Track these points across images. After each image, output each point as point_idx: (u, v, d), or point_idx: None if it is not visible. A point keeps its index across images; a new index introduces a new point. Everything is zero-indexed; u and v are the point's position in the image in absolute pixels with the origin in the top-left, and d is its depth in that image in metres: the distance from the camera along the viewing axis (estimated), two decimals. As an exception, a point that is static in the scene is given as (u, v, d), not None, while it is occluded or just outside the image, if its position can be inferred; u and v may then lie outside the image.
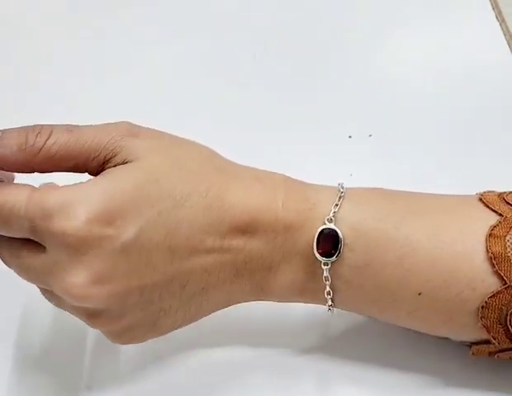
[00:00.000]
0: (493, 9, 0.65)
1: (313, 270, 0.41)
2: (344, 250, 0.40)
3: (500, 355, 0.42)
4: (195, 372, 0.47)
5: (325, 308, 0.43)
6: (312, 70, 0.65)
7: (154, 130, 0.42)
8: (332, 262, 0.41)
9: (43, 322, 0.50)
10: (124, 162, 0.39)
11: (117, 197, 0.38)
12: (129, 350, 0.48)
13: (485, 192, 0.43)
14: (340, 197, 0.42)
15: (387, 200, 0.43)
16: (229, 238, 0.40)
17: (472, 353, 0.42)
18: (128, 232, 0.37)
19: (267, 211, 0.41)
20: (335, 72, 0.64)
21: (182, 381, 0.47)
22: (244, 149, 0.49)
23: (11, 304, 0.51)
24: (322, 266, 0.41)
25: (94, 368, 0.48)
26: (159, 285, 0.39)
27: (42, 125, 0.39)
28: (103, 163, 0.40)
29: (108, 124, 0.41)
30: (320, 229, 0.41)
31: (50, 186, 0.39)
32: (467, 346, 0.43)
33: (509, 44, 0.63)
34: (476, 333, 0.41)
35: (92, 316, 0.40)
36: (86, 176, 0.40)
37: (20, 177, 0.41)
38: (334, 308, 0.43)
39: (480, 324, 0.40)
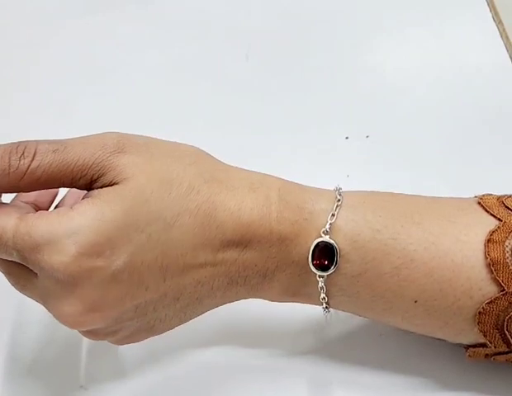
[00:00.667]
0: (490, 10, 0.65)
1: (308, 278, 0.41)
2: (340, 261, 0.40)
3: (497, 357, 0.42)
4: (190, 373, 0.48)
5: (321, 309, 0.43)
6: (308, 71, 0.65)
7: (141, 142, 0.40)
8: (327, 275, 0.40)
9: (38, 322, 0.51)
10: (111, 184, 0.38)
11: (105, 227, 0.37)
12: (125, 350, 0.49)
13: (484, 195, 0.43)
14: (337, 206, 0.41)
15: (384, 207, 0.42)
16: (222, 251, 0.40)
17: (469, 355, 0.43)
18: (118, 260, 0.37)
19: (261, 224, 0.40)
20: (332, 73, 0.65)
21: (177, 382, 0.47)
22: (240, 151, 0.49)
23: (5, 304, 0.51)
24: (317, 277, 0.40)
25: (90, 368, 0.49)
26: (153, 301, 0.40)
27: (26, 144, 0.38)
28: (90, 182, 0.39)
29: (95, 137, 0.39)
30: (315, 242, 0.40)
31: (38, 215, 0.38)
32: (464, 347, 0.43)
33: (506, 46, 0.63)
34: (472, 337, 0.41)
35: (88, 333, 0.40)
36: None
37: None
38: (330, 309, 0.43)
39: (476, 329, 0.40)
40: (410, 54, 0.65)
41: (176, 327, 0.44)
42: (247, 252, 0.40)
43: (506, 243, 0.39)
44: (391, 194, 0.43)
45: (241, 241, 0.40)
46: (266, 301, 0.44)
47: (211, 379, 0.47)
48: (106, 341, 0.43)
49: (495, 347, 0.41)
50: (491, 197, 0.42)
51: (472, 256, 0.39)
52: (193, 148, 0.42)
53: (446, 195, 0.44)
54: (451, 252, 0.40)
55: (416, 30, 0.66)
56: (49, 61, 0.68)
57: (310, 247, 0.40)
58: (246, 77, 0.65)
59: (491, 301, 0.39)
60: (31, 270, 0.38)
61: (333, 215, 0.41)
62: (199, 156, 0.42)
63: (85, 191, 0.40)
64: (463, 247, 0.40)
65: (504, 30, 0.63)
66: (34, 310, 0.49)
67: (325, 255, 0.40)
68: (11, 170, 0.37)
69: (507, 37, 0.62)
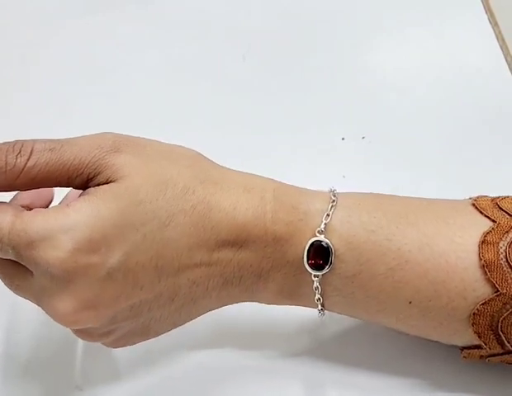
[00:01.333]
0: (485, 12, 0.66)
1: (303, 278, 0.41)
2: (335, 261, 0.41)
3: (491, 359, 0.42)
4: (186, 374, 0.48)
5: (316, 311, 0.43)
6: (308, 71, 0.65)
7: (137, 143, 0.41)
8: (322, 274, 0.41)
9: (33, 322, 0.51)
10: (107, 182, 0.39)
11: (101, 224, 0.37)
12: (120, 351, 0.49)
13: (478, 197, 0.43)
14: (332, 206, 0.41)
15: (380, 208, 0.42)
16: (217, 251, 0.40)
17: (463, 357, 0.43)
18: (113, 258, 0.37)
19: (256, 224, 0.41)
20: (328, 74, 0.65)
21: (173, 382, 0.48)
22: (235, 152, 0.50)
23: (-1, 304, 0.51)
24: (312, 277, 0.41)
25: (85, 369, 0.49)
26: (148, 301, 0.40)
27: (23, 143, 0.39)
28: (87, 181, 0.39)
29: (92, 137, 0.40)
30: (310, 242, 0.41)
31: (34, 212, 0.38)
32: (458, 349, 0.43)
33: (501, 48, 0.63)
34: (467, 338, 0.41)
35: (80, 332, 0.41)
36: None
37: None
38: (325, 311, 0.43)
39: (471, 330, 0.40)
40: (409, 54, 0.66)
41: (169, 332, 0.44)
42: (242, 252, 0.41)
43: (500, 245, 0.39)
44: (386, 195, 0.44)
45: (236, 241, 0.40)
46: (260, 304, 0.45)
47: (207, 379, 0.47)
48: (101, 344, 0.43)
49: (489, 349, 0.41)
50: (486, 199, 0.43)
51: (466, 257, 0.40)
52: (190, 151, 0.43)
53: (444, 196, 0.44)
54: (445, 254, 0.40)
55: (412, 33, 0.67)
56: (49, 61, 0.68)
57: (304, 247, 0.41)
58: (246, 78, 0.65)
59: (485, 302, 0.39)
60: (27, 269, 0.38)
61: (328, 215, 0.41)
62: (195, 158, 0.42)
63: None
64: (457, 249, 0.40)
65: (500, 32, 0.63)
66: (28, 310, 0.50)
67: (320, 254, 0.40)
68: (8, 168, 0.38)
69: (503, 39, 0.62)
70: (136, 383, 0.48)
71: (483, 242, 0.40)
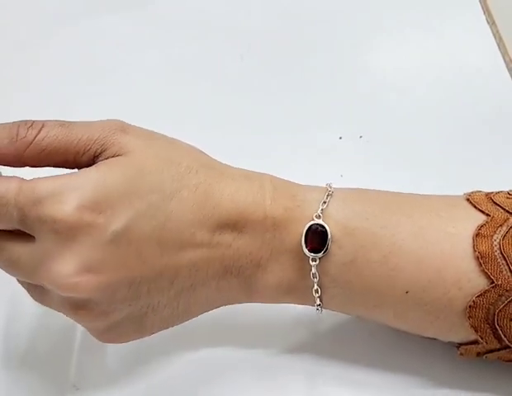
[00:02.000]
0: (483, 12, 0.66)
1: (301, 267, 0.42)
2: (332, 247, 0.41)
3: (489, 356, 0.43)
4: (182, 372, 0.48)
5: (314, 308, 0.44)
6: (308, 71, 0.66)
7: (144, 129, 0.43)
8: (320, 259, 0.42)
9: (29, 320, 0.51)
10: (114, 156, 0.40)
11: (108, 188, 0.39)
12: (116, 350, 0.49)
13: (472, 192, 0.44)
14: (328, 195, 0.43)
15: (374, 200, 0.44)
16: (218, 233, 0.41)
17: (460, 354, 0.43)
18: (118, 222, 0.38)
19: (256, 208, 0.42)
20: (325, 73, 0.65)
21: (169, 381, 0.48)
22: (233, 151, 0.50)
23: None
24: (310, 261, 0.42)
25: (81, 368, 0.49)
26: (148, 279, 0.40)
27: (34, 120, 0.40)
28: (94, 158, 0.41)
29: (101, 120, 0.42)
30: (308, 225, 0.42)
31: (41, 177, 0.39)
32: (455, 346, 0.44)
33: (499, 47, 0.63)
34: (463, 333, 0.42)
35: (78, 308, 0.40)
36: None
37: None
38: (323, 309, 0.44)
39: (467, 324, 0.41)
40: (403, 56, 0.66)
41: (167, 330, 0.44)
42: (242, 238, 0.42)
43: (494, 238, 0.40)
44: (381, 190, 0.45)
45: (236, 225, 0.41)
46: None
47: (202, 377, 0.48)
48: (97, 342, 0.43)
49: (486, 343, 0.41)
50: (480, 194, 0.44)
51: (461, 248, 0.41)
52: (192, 146, 0.44)
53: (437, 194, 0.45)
54: (439, 243, 0.41)
55: (409, 32, 0.67)
56: (49, 61, 0.69)
57: (302, 231, 0.42)
58: (246, 78, 0.66)
59: (481, 294, 0.40)
60: (27, 236, 0.39)
61: (324, 202, 0.42)
62: (197, 149, 0.44)
63: None
64: (451, 240, 0.41)
65: (497, 31, 0.63)
66: (24, 308, 0.51)
67: (317, 238, 0.41)
68: (19, 138, 0.40)
69: (500, 38, 0.63)
70: (132, 381, 0.48)
71: (477, 234, 0.40)
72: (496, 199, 0.42)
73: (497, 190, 0.45)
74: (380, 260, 0.41)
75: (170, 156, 0.42)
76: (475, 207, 0.42)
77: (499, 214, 0.41)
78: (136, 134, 0.42)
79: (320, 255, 0.41)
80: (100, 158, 0.41)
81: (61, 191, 0.38)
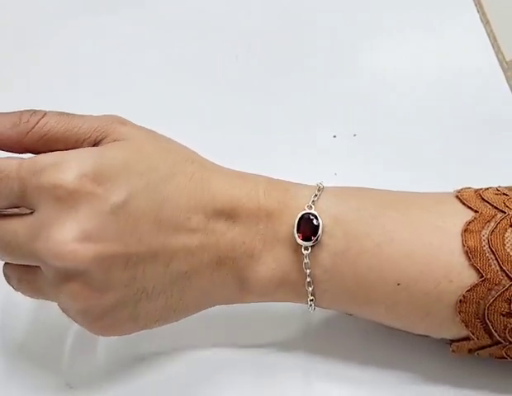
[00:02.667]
0: (477, 11, 0.67)
1: (294, 259, 0.43)
2: (324, 237, 0.43)
3: (480, 352, 0.43)
4: (177, 371, 0.49)
5: (307, 306, 0.45)
6: (302, 71, 0.66)
7: (142, 126, 0.45)
8: (312, 247, 0.43)
9: (22, 320, 0.52)
10: (113, 141, 0.42)
11: (108, 163, 0.40)
12: (110, 348, 0.50)
13: (462, 189, 0.45)
14: (319, 189, 0.44)
15: (365, 196, 0.45)
16: (212, 220, 0.42)
17: (452, 350, 0.44)
18: (117, 195, 0.40)
19: (250, 200, 0.43)
20: (319, 72, 0.66)
21: (163, 380, 0.48)
22: (227, 150, 0.51)
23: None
24: (302, 250, 0.43)
25: (75, 366, 0.49)
26: (144, 259, 0.41)
27: (36, 109, 0.42)
28: (94, 145, 0.42)
29: (99, 115, 0.44)
30: (299, 215, 0.43)
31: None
32: (448, 343, 0.44)
33: (493, 46, 0.64)
34: (455, 329, 0.42)
35: (72, 280, 0.40)
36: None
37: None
38: (316, 307, 0.45)
39: (458, 319, 0.41)
40: (397, 54, 0.67)
41: (159, 328, 0.45)
42: (236, 227, 0.43)
43: (483, 233, 0.41)
44: (373, 188, 0.46)
45: (230, 214, 0.43)
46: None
47: (197, 376, 0.48)
48: (90, 341, 0.44)
49: (477, 339, 0.42)
50: (469, 190, 0.44)
51: (450, 242, 0.41)
52: (186, 147, 0.46)
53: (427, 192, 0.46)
54: (429, 236, 0.42)
55: (404, 31, 0.68)
56: (49, 61, 0.69)
57: (294, 221, 0.43)
58: (246, 78, 0.66)
59: (471, 289, 0.40)
60: (23, 215, 0.41)
61: (315, 195, 0.44)
62: (192, 151, 0.46)
63: None
64: (441, 233, 0.42)
65: (491, 30, 0.64)
66: (17, 306, 0.52)
67: (309, 228, 0.42)
68: (22, 122, 0.41)
69: (494, 37, 0.64)
70: (127, 381, 0.49)
71: (465, 230, 0.41)
72: (485, 195, 0.43)
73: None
74: (372, 249, 0.42)
75: (167, 146, 0.44)
76: (463, 204, 0.43)
77: (487, 211, 0.42)
78: (135, 127, 0.44)
79: (311, 243, 0.42)
80: (100, 145, 0.42)
81: (62, 162, 0.40)
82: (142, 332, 0.46)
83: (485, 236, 0.41)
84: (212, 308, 0.46)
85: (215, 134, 0.62)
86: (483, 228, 0.41)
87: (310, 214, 0.43)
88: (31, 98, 0.67)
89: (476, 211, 0.42)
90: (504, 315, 0.40)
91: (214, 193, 0.43)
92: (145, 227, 0.41)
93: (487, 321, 0.41)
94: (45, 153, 0.41)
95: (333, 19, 0.70)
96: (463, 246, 0.41)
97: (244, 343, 0.50)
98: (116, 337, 0.44)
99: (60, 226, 0.39)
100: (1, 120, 0.42)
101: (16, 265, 0.43)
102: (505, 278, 0.40)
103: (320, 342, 0.49)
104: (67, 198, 0.39)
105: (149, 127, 0.45)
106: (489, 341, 0.42)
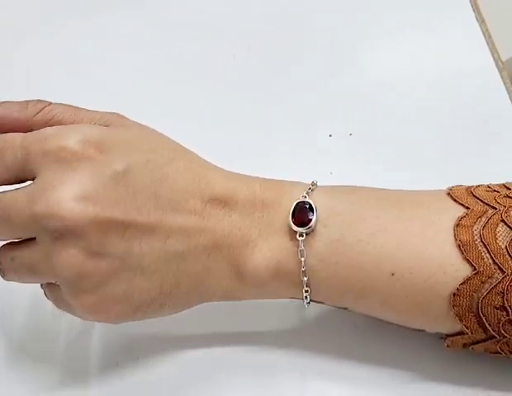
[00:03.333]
0: (473, 9, 0.67)
1: (289, 248, 0.44)
2: (318, 226, 0.44)
3: (475, 347, 0.44)
4: (172, 370, 0.49)
5: (302, 305, 0.45)
6: (302, 71, 0.67)
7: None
8: (306, 235, 0.43)
9: (16, 320, 0.52)
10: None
11: (112, 136, 0.43)
12: (104, 347, 0.50)
13: (453, 187, 0.46)
14: (314, 184, 0.46)
15: (359, 191, 0.46)
16: (209, 206, 0.44)
17: (447, 345, 0.45)
18: (118, 163, 0.41)
19: (246, 190, 0.45)
20: (319, 72, 0.67)
21: (158, 380, 0.49)
22: (226, 149, 0.51)
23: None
24: (297, 237, 0.43)
25: (69, 365, 0.50)
26: (141, 231, 0.42)
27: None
28: None
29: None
30: (295, 203, 0.44)
31: None
32: (442, 338, 0.45)
33: (488, 44, 0.65)
34: (449, 323, 0.43)
35: (68, 244, 0.40)
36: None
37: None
38: (311, 301, 0.45)
39: (452, 313, 0.42)
40: (393, 54, 0.68)
41: (155, 327, 0.46)
42: (232, 215, 0.44)
43: (474, 228, 0.42)
44: (366, 186, 0.47)
45: (227, 202, 0.44)
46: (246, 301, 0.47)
47: (194, 375, 0.49)
48: (84, 341, 0.44)
49: (471, 333, 0.42)
50: (461, 188, 0.45)
51: (443, 235, 0.42)
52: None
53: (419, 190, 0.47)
54: (423, 229, 0.43)
55: (399, 31, 0.69)
56: (50, 61, 0.70)
57: (290, 209, 0.44)
58: (246, 77, 0.67)
59: (464, 282, 0.41)
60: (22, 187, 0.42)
61: (310, 189, 0.45)
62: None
63: None
64: (434, 227, 0.43)
65: (486, 29, 0.65)
66: (11, 306, 0.52)
67: (304, 215, 0.44)
68: (30, 105, 0.44)
69: (490, 36, 0.64)
70: (122, 380, 0.49)
71: (457, 225, 0.42)
72: (476, 192, 0.44)
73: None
74: (367, 238, 0.43)
75: (167, 138, 0.46)
76: (455, 201, 0.44)
77: (478, 207, 0.43)
78: (136, 122, 0.46)
79: (305, 229, 0.43)
80: None
81: (66, 129, 0.42)
82: (137, 330, 0.47)
83: (477, 230, 0.42)
84: (208, 306, 0.47)
85: (214, 133, 0.62)
86: (475, 223, 0.42)
87: (304, 202, 0.44)
88: (31, 98, 0.65)
89: (467, 208, 0.43)
90: (497, 308, 0.41)
91: (211, 181, 0.44)
92: (144, 198, 0.42)
93: (481, 314, 0.41)
94: None
95: (333, 19, 0.71)
96: (456, 240, 0.42)
97: (240, 343, 0.50)
98: (112, 335, 0.45)
99: (60, 186, 0.40)
100: (10, 104, 0.44)
101: (10, 244, 0.44)
102: (498, 271, 0.41)
103: (315, 341, 0.49)
104: (69, 159, 0.41)
105: (149, 126, 0.46)
106: (483, 336, 0.43)
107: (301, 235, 0.43)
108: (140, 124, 0.46)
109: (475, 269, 0.41)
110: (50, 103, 0.45)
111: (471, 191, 0.44)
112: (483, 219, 0.42)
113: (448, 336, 0.44)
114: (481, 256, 0.41)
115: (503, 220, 0.42)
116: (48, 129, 0.42)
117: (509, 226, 0.41)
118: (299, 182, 0.47)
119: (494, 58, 0.64)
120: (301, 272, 0.44)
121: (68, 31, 0.72)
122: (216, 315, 0.50)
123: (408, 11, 0.70)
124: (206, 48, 0.70)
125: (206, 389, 0.48)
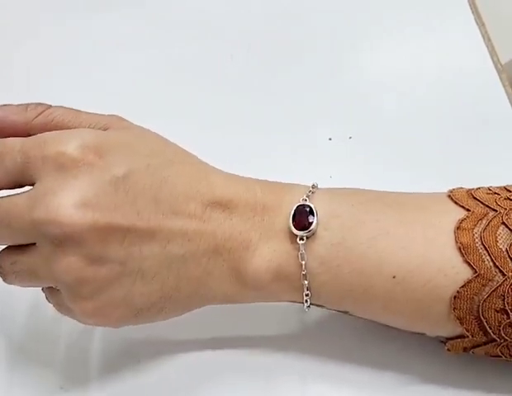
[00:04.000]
0: (472, 12, 0.68)
1: (289, 251, 0.44)
2: (319, 229, 0.44)
3: (476, 350, 0.44)
4: (172, 373, 0.49)
5: (302, 308, 0.45)
6: (296, 70, 0.67)
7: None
8: (307, 238, 0.43)
9: (16, 323, 0.52)
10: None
11: (111, 140, 0.42)
12: (104, 350, 0.50)
13: (454, 189, 0.46)
14: (314, 186, 0.46)
15: (359, 193, 0.46)
16: (210, 209, 0.44)
17: (447, 349, 0.45)
18: (118, 168, 0.41)
19: (247, 193, 0.45)
20: (319, 72, 0.67)
21: (159, 382, 0.49)
22: (222, 152, 0.51)
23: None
24: (298, 241, 0.43)
25: (68, 369, 0.50)
26: (141, 236, 0.42)
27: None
28: None
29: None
30: (295, 206, 0.44)
31: None
32: (443, 342, 0.45)
33: (488, 47, 0.65)
34: (450, 327, 0.43)
35: (68, 251, 0.40)
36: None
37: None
38: (311, 305, 0.45)
39: (453, 316, 0.42)
40: (392, 57, 0.68)
41: (153, 330, 0.46)
42: (232, 218, 0.44)
43: (475, 230, 0.42)
44: (366, 189, 0.47)
45: (227, 205, 0.44)
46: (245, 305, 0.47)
47: (191, 378, 0.49)
48: (84, 343, 0.44)
49: (472, 336, 0.42)
50: (461, 190, 0.45)
51: (444, 237, 0.42)
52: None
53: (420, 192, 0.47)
54: (424, 232, 0.43)
55: (399, 33, 0.69)
56: (50, 61, 0.70)
57: (290, 212, 0.44)
58: (246, 77, 0.67)
59: (465, 285, 0.41)
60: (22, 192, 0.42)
61: (310, 191, 0.45)
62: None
63: None
64: (435, 230, 0.43)
65: (486, 32, 0.65)
66: (11, 309, 0.52)
67: (304, 218, 0.44)
68: (29, 108, 0.44)
69: (489, 39, 0.64)
70: (121, 383, 0.49)
71: (458, 228, 0.42)
72: (476, 194, 0.44)
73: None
74: (368, 242, 0.43)
75: (166, 141, 0.46)
76: (456, 203, 0.44)
77: (479, 209, 0.43)
78: (135, 124, 0.46)
79: (306, 233, 0.43)
80: None
81: (66, 134, 0.42)
82: (138, 333, 0.47)
83: (478, 233, 0.42)
84: (208, 309, 0.47)
85: (214, 133, 0.62)
86: (475, 225, 0.42)
87: (305, 205, 0.44)
88: (31, 98, 0.64)
89: (468, 210, 0.43)
90: (498, 311, 0.41)
91: (212, 185, 0.44)
92: (144, 203, 0.42)
93: (482, 317, 0.41)
94: None
95: (333, 19, 0.71)
96: (456, 242, 0.42)
97: (240, 346, 0.50)
98: (112, 339, 0.45)
99: (60, 192, 0.40)
100: (9, 107, 0.44)
101: (11, 248, 0.44)
102: (499, 274, 0.41)
103: (316, 344, 0.49)
104: (68, 166, 0.41)
105: (148, 127, 0.46)
106: (484, 339, 0.43)
107: (301, 238, 0.43)
108: (140, 127, 0.46)
109: (475, 272, 0.41)
110: (50, 106, 0.45)
111: (471, 194, 0.44)
112: (484, 221, 0.42)
113: (448, 339, 0.44)
114: (482, 259, 0.41)
115: (503, 223, 0.42)
116: (47, 134, 0.42)
117: (509, 229, 0.41)
118: (299, 185, 0.47)
119: (493, 61, 0.64)
120: (302, 276, 0.44)
121: (68, 31, 0.72)
122: (217, 318, 0.50)
123: (408, 11, 0.70)
124: (206, 48, 0.70)
125: (207, 392, 0.48)
